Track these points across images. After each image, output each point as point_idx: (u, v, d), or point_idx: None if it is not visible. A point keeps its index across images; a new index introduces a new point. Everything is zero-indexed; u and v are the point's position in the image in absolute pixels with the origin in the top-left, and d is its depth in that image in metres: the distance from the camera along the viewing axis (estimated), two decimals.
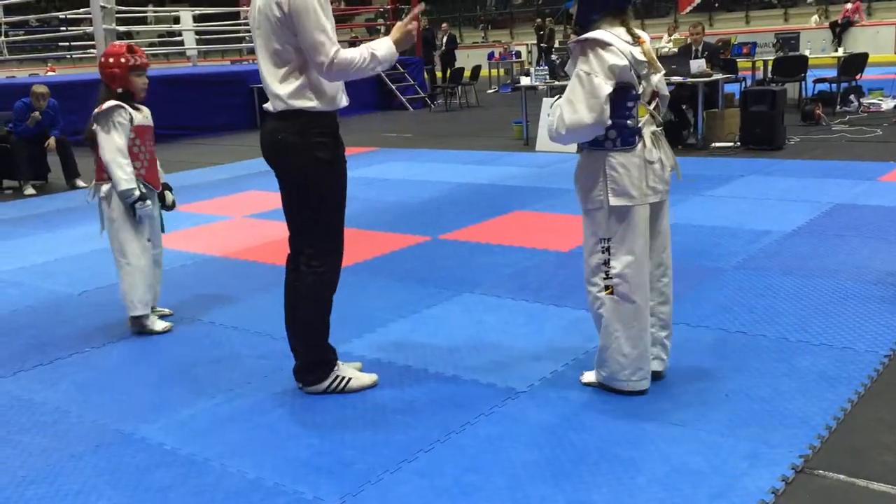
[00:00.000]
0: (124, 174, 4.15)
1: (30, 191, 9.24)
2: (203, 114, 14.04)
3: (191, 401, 3.46)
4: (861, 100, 11.52)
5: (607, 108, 3.00)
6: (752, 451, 2.78)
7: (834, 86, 11.68)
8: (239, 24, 19.84)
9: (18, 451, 3.11)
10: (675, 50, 13.08)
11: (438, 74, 19.67)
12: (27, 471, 2.95)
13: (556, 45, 21.26)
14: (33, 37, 22.18)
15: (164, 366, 3.89)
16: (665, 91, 3.29)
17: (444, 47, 20.40)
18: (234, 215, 7.35)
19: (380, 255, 5.62)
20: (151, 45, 26.82)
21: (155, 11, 24.75)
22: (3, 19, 17.19)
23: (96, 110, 4.18)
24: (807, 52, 12.09)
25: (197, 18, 20.22)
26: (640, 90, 3.12)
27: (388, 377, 3.56)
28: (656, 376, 3.36)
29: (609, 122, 3.03)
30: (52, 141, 9.22)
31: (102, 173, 4.24)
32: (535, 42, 23.40)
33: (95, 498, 2.74)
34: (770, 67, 11.95)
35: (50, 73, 22.69)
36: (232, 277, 5.32)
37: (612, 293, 3.18)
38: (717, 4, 26.71)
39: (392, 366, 3.69)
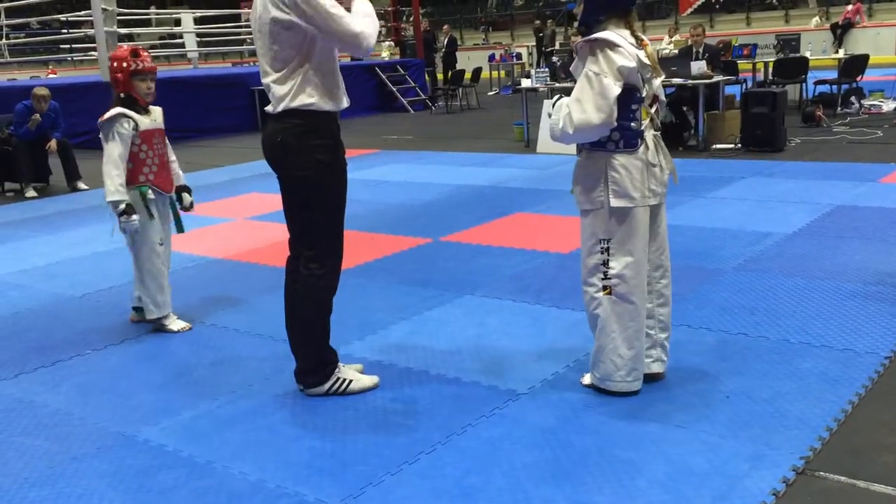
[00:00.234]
0: (112, 185, 4.17)
1: (31, 193, 9.25)
2: (204, 116, 14.05)
3: (193, 403, 3.46)
4: (862, 101, 11.51)
5: (615, 109, 3.00)
6: (753, 453, 2.78)
7: (835, 87, 11.68)
8: (240, 27, 19.86)
9: (20, 453, 3.12)
10: (676, 51, 13.09)
11: (440, 76, 19.67)
12: (29, 473, 2.95)
13: (557, 46, 21.28)
14: (34, 39, 22.18)
15: (166, 368, 3.89)
16: (662, 96, 3.31)
17: (444, 49, 20.42)
18: (235, 217, 7.35)
19: (381, 258, 5.63)
20: (153, 47, 26.84)
21: (156, 14, 24.76)
22: (4, 21, 17.20)
23: (100, 119, 4.19)
24: (807, 54, 12.09)
25: (198, 21, 20.24)
26: (644, 93, 3.13)
27: (389, 379, 3.56)
28: (657, 377, 3.37)
29: (615, 123, 3.04)
30: (53, 143, 9.22)
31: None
32: (534, 44, 23.43)
33: (97, 500, 2.75)
34: (771, 69, 11.96)
35: (51, 76, 22.70)
36: (233, 279, 5.33)
37: (610, 293, 3.19)
38: (717, 6, 26.71)
39: (393, 368, 3.70)
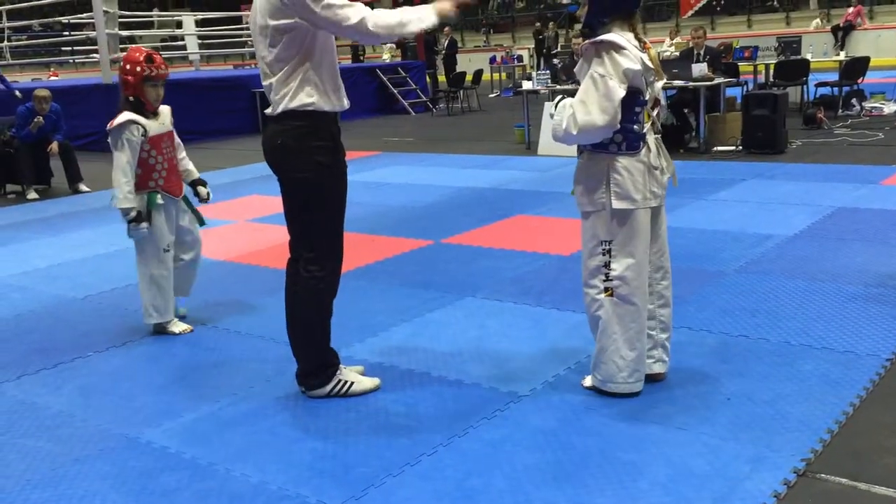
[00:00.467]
0: (121, 193, 4.15)
1: (33, 195, 9.26)
2: (205, 118, 14.06)
3: (194, 405, 3.47)
4: (863, 103, 11.52)
5: (619, 111, 3.01)
6: (754, 455, 2.78)
7: (836, 89, 11.68)
8: (241, 29, 19.88)
9: (22, 455, 3.12)
10: (677, 54, 13.09)
11: (441, 79, 19.69)
12: (31, 475, 2.96)
13: (559, 48, 21.29)
14: (36, 41, 22.24)
15: (168, 370, 3.90)
16: (663, 99, 3.32)
17: (444, 51, 20.43)
18: (236, 219, 7.36)
19: (382, 260, 5.63)
20: (154, 49, 26.87)
21: (158, 16, 24.80)
22: (6, 24, 17.24)
23: (109, 125, 4.18)
24: (808, 56, 12.10)
25: (199, 23, 20.28)
26: (647, 96, 3.14)
27: (390, 381, 3.57)
28: (658, 378, 3.37)
29: (618, 125, 3.04)
30: (54, 145, 9.23)
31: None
32: (534, 46, 23.43)
33: (100, 501, 2.75)
34: (772, 71, 11.96)
35: (52, 78, 22.74)
36: (235, 282, 5.34)
37: (611, 295, 3.19)
38: (718, 8, 26.73)
39: (394, 370, 3.70)
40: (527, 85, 11.33)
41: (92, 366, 4.01)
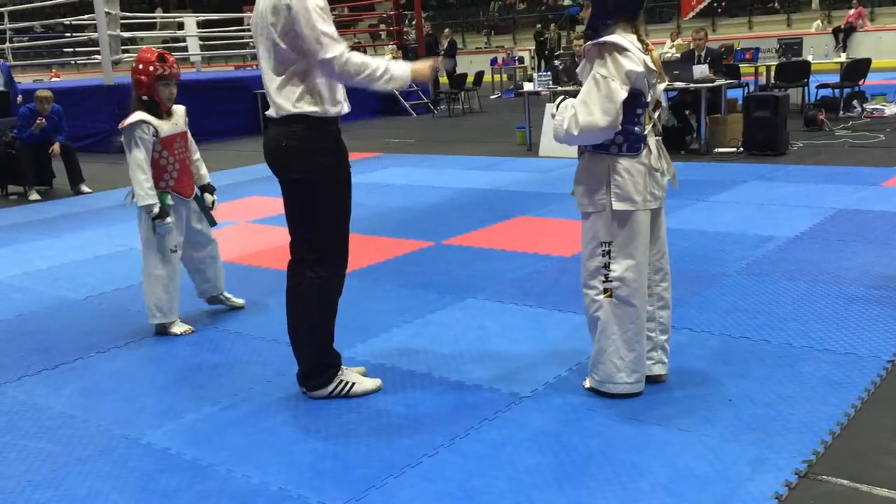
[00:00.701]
0: (142, 190, 4.18)
1: (34, 196, 9.27)
2: (207, 119, 14.06)
3: (195, 406, 3.47)
4: (864, 105, 11.52)
5: (621, 112, 3.01)
6: (755, 456, 2.78)
7: (837, 91, 11.68)
8: (243, 31, 19.90)
9: (24, 455, 3.12)
10: (678, 55, 13.09)
11: (442, 80, 19.70)
12: (32, 475, 2.96)
13: (561, 50, 21.29)
14: (38, 43, 22.25)
15: (169, 371, 3.90)
16: (664, 101, 3.32)
17: (444, 52, 20.44)
18: (238, 221, 7.36)
19: (383, 261, 5.63)
20: None
21: (160, 18, 24.82)
22: (8, 25, 17.26)
23: (121, 124, 4.20)
24: (809, 58, 12.10)
25: (201, 24, 20.29)
26: (649, 98, 3.14)
27: (391, 382, 3.57)
28: (658, 379, 3.37)
29: (620, 127, 3.04)
30: (56, 147, 9.24)
31: None
32: (535, 48, 23.44)
33: (101, 502, 2.75)
34: (773, 73, 11.96)
35: (54, 79, 22.76)
36: (236, 283, 5.33)
37: (610, 296, 3.19)
38: (719, 10, 26.72)
39: (396, 371, 3.70)
40: (528, 86, 11.33)
41: (93, 367, 4.01)
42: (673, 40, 18.24)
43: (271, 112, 3.25)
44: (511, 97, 19.23)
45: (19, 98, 11.52)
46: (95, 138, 13.29)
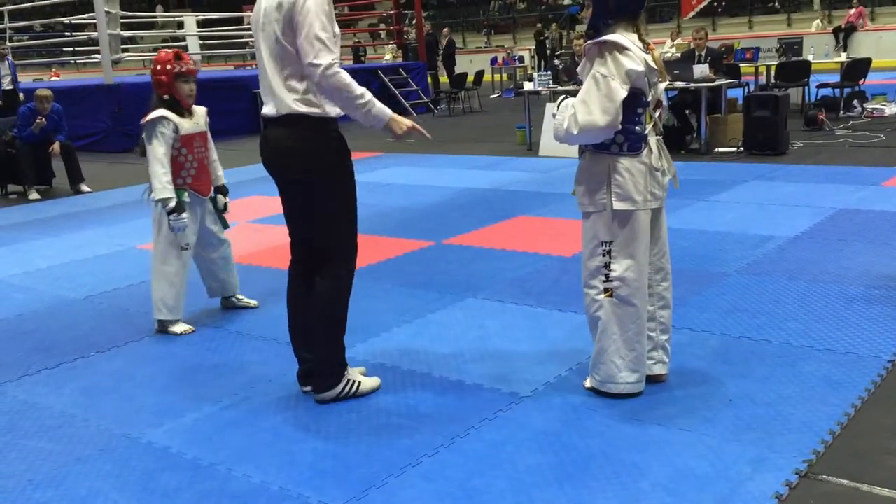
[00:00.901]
0: (159, 184, 4.23)
1: (34, 196, 9.27)
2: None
3: (196, 405, 3.47)
4: (864, 105, 11.52)
5: (620, 112, 3.01)
6: (756, 456, 2.78)
7: (837, 91, 11.68)
8: (242, 30, 19.90)
9: (24, 454, 3.12)
10: (679, 55, 13.09)
11: (443, 79, 19.71)
12: (33, 474, 2.96)
13: (562, 49, 21.29)
14: (38, 42, 22.26)
15: (170, 370, 3.90)
16: (665, 100, 3.32)
17: (443, 51, 20.46)
18: (238, 220, 7.36)
19: (384, 260, 5.63)
20: (155, 50, 26.85)
21: (160, 17, 24.82)
22: (8, 24, 17.26)
23: (142, 120, 4.26)
24: (810, 58, 12.10)
25: (200, 24, 20.28)
26: (650, 97, 3.14)
27: (391, 382, 3.57)
28: (658, 379, 3.37)
29: (620, 126, 3.04)
30: (56, 146, 9.24)
31: None
32: (535, 48, 23.43)
33: (101, 501, 2.75)
34: (773, 72, 11.96)
35: (54, 79, 22.76)
36: None
37: (611, 296, 3.19)
38: (720, 9, 26.72)
39: (396, 370, 3.70)
40: (528, 86, 11.33)
41: (93, 366, 4.01)
42: (673, 40, 18.25)
43: (269, 111, 3.22)
44: (511, 97, 19.23)
45: (20, 96, 11.54)
46: (95, 138, 13.29)
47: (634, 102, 3.08)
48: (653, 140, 3.18)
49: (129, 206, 8.37)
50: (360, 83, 3.15)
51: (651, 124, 3.18)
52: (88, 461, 3.04)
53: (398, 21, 20.63)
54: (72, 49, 20.09)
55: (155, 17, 25.26)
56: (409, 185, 8.60)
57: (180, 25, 21.20)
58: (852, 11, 21.27)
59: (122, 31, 14.56)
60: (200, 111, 4.47)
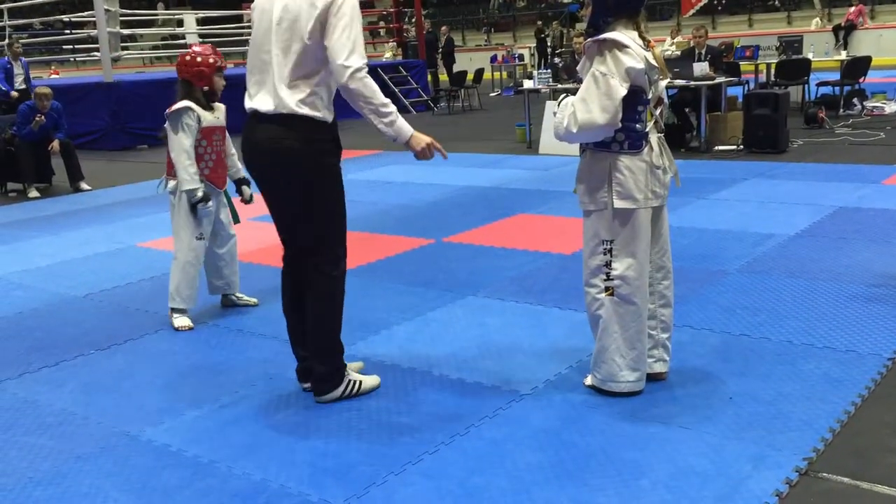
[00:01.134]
0: (187, 174, 4.31)
1: (34, 193, 9.26)
2: None
3: (196, 403, 3.47)
4: (864, 103, 11.51)
5: (620, 110, 3.00)
6: (756, 454, 2.78)
7: (837, 89, 11.68)
8: (242, 28, 19.88)
9: (24, 452, 3.12)
10: (678, 53, 13.09)
11: (442, 77, 19.70)
12: (34, 472, 2.96)
13: (563, 48, 21.27)
14: (37, 40, 22.22)
15: (170, 368, 3.90)
16: (666, 98, 3.32)
17: (442, 49, 20.45)
18: None
19: (384, 258, 5.63)
20: (155, 47, 26.88)
21: (160, 15, 24.79)
22: (7, 22, 17.24)
23: (168, 110, 4.32)
24: (810, 56, 12.09)
25: (200, 21, 20.27)
26: (650, 95, 3.14)
27: (392, 379, 3.57)
28: (659, 377, 3.37)
29: (619, 124, 3.04)
30: (55, 144, 9.23)
31: (171, 168, 4.42)
32: (536, 46, 23.42)
33: (102, 499, 2.75)
34: (773, 70, 11.96)
35: (53, 76, 22.73)
36: None
37: (612, 294, 3.19)
38: (720, 7, 26.72)
39: (396, 368, 3.70)
40: (528, 84, 11.33)
41: (93, 364, 4.01)
42: (673, 38, 18.26)
43: (264, 107, 3.14)
44: (511, 95, 19.23)
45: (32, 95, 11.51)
46: (95, 136, 13.27)
47: (635, 100, 3.07)
48: (654, 138, 3.18)
49: (128, 204, 8.37)
50: None
51: (652, 122, 3.18)
52: (89, 459, 3.04)
53: (398, 19, 20.62)
54: (71, 47, 20.07)
55: (154, 14, 25.23)
56: (409, 183, 8.60)
57: (180, 23, 21.19)
58: (852, 9, 21.25)
59: (121, 28, 14.54)
60: (221, 107, 4.58)
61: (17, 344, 4.35)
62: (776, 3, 26.79)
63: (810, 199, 6.55)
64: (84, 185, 9.52)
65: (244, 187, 4.74)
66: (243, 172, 4.70)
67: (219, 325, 4.47)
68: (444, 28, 22.34)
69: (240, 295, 4.77)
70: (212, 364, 3.92)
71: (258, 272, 5.48)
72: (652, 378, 3.34)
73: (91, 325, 4.58)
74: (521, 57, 22.09)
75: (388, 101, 3.11)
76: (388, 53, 21.36)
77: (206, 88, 4.38)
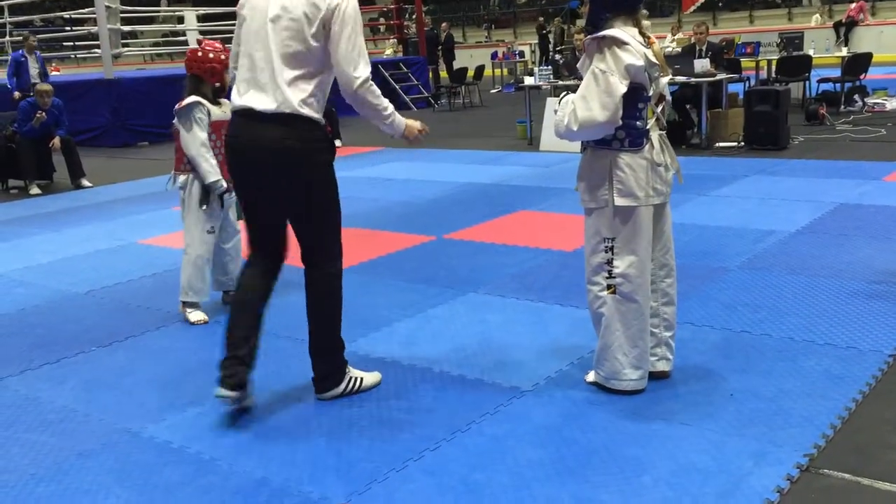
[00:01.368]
0: (210, 167, 4.34)
1: (35, 190, 9.27)
2: None
3: (198, 400, 3.47)
4: (865, 99, 11.50)
5: (620, 107, 3.00)
6: (757, 451, 2.78)
7: (838, 85, 11.67)
8: None
9: (26, 449, 3.13)
10: (679, 50, 13.07)
11: (443, 74, 19.68)
12: (35, 469, 2.97)
13: (563, 45, 21.26)
14: (37, 36, 22.21)
15: (171, 365, 3.90)
16: (668, 95, 3.31)
17: (442, 46, 20.44)
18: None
19: (385, 255, 5.63)
20: (155, 44, 26.85)
21: (160, 11, 24.78)
22: (8, 19, 17.23)
23: (177, 106, 4.34)
24: (811, 52, 12.08)
25: (201, 18, 20.26)
26: (650, 92, 3.13)
27: (393, 376, 3.57)
28: (662, 375, 3.37)
29: (620, 122, 3.03)
30: (56, 141, 9.24)
31: (180, 164, 4.45)
32: (537, 42, 23.40)
33: (104, 496, 2.76)
34: (774, 67, 11.95)
35: (54, 73, 22.72)
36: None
37: (614, 292, 3.19)
38: (720, 4, 26.70)
39: (397, 365, 3.71)
40: (528, 80, 11.32)
41: (95, 360, 4.01)
42: (674, 34, 18.23)
43: (263, 106, 3.09)
44: (512, 91, 19.22)
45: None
46: (96, 132, 13.28)
47: (635, 97, 3.07)
48: (655, 135, 3.17)
49: (129, 201, 8.38)
50: None
51: (653, 119, 3.17)
52: (90, 456, 3.04)
53: (398, 16, 20.60)
54: (72, 44, 20.05)
55: (155, 11, 25.22)
56: (410, 180, 8.60)
57: (180, 20, 21.18)
58: (853, 6, 21.24)
59: (122, 25, 14.53)
60: (227, 102, 4.56)
61: (18, 341, 4.36)
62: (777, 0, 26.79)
63: (811, 196, 6.55)
64: (85, 182, 9.53)
65: None
66: None
67: (220, 321, 4.46)
68: (444, 24, 22.33)
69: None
70: (213, 361, 3.89)
71: None
72: (655, 376, 3.34)
73: (92, 322, 4.59)
74: (521, 53, 22.08)
75: (388, 103, 3.25)
76: (388, 50, 21.36)
77: (217, 84, 4.39)
